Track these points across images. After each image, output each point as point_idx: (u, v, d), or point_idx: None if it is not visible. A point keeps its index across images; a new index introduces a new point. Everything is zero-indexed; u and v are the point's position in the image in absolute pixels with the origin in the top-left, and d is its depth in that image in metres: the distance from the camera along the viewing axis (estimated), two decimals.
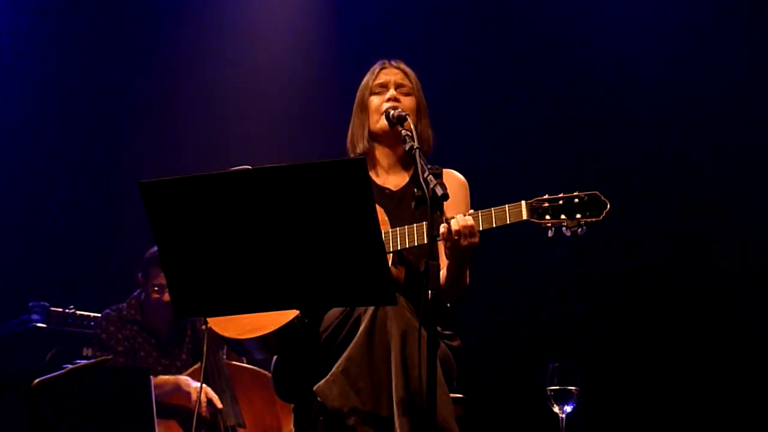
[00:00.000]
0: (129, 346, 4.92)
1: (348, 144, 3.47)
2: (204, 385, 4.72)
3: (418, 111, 3.40)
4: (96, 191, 6.20)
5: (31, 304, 5.48)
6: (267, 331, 3.11)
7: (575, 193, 3.09)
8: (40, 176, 6.20)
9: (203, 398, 4.68)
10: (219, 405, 4.71)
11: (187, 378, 4.81)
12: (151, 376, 4.80)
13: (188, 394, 4.74)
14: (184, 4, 6.33)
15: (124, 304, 5.02)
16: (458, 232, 3.01)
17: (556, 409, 3.34)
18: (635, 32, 5.80)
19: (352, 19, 6.20)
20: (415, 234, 3.13)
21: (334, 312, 3.09)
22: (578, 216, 3.08)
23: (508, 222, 3.08)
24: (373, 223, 2.44)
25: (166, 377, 4.85)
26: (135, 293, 5.06)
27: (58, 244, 6.11)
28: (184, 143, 6.19)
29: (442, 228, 3.01)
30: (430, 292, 2.69)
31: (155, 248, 4.72)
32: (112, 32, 6.26)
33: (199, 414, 4.56)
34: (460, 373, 3.25)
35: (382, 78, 3.42)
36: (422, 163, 2.90)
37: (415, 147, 3.01)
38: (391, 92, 3.38)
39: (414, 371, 2.88)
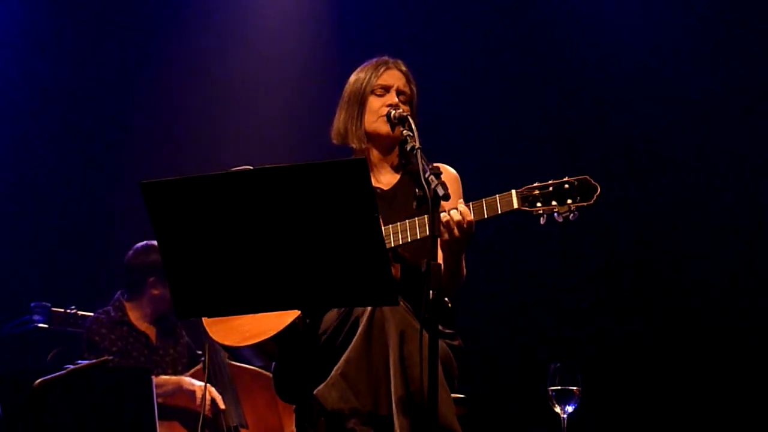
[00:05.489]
0: (122, 347, 4.93)
1: (335, 132, 3.43)
2: (208, 385, 4.72)
3: (411, 115, 3.39)
4: (97, 191, 6.21)
5: (32, 304, 5.49)
6: (266, 337, 3.11)
7: (565, 179, 3.10)
8: (41, 176, 6.21)
9: (207, 400, 4.68)
10: (221, 405, 4.72)
11: (190, 378, 4.81)
12: (153, 377, 4.82)
13: (192, 393, 4.74)
14: (184, 5, 6.33)
15: (110, 307, 5.03)
16: (458, 222, 3.01)
17: (557, 409, 3.34)
18: (630, 24, 5.80)
19: (352, 19, 6.20)
20: (408, 230, 3.13)
21: (332, 314, 3.10)
22: (569, 201, 3.08)
23: (499, 212, 3.08)
24: (374, 223, 2.45)
25: (167, 377, 4.86)
26: (116, 295, 5.07)
27: (60, 244, 6.12)
28: (185, 143, 6.19)
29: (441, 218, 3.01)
30: (431, 292, 2.69)
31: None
32: (112, 31, 6.26)
33: (199, 417, 4.56)
34: (461, 372, 3.25)
35: (386, 80, 3.39)
36: (423, 162, 2.90)
37: (417, 147, 3.01)
38: (395, 99, 3.36)
39: (413, 371, 2.88)
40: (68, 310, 5.49)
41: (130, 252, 5.03)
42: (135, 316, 5.02)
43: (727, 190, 5.56)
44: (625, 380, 5.58)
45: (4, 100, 6.18)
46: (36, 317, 5.43)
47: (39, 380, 2.89)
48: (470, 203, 3.08)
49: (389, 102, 3.35)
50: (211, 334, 3.20)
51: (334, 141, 3.44)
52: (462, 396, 3.27)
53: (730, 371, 5.43)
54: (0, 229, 6.09)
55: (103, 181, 6.22)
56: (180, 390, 4.77)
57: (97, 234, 6.15)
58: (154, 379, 4.76)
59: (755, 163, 5.53)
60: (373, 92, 3.39)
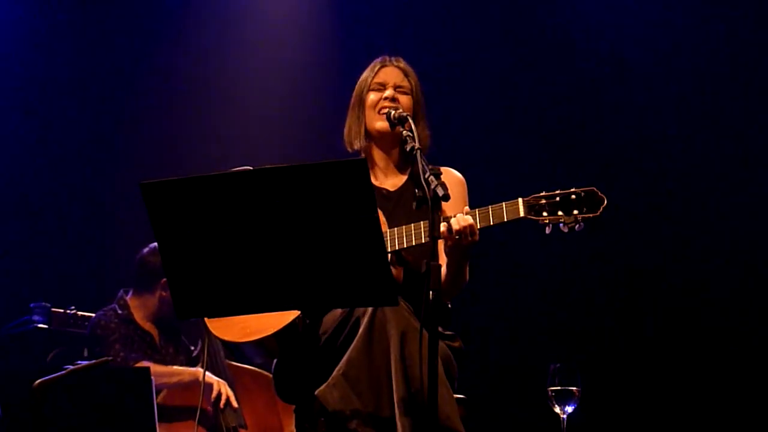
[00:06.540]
0: (128, 343, 4.92)
1: (345, 138, 3.46)
2: (223, 382, 4.72)
3: (415, 110, 3.39)
4: (97, 191, 6.20)
5: (32, 305, 5.48)
6: (267, 334, 3.11)
7: (572, 190, 3.10)
8: (41, 176, 6.20)
9: (223, 394, 4.68)
10: (235, 404, 4.71)
11: (208, 372, 4.76)
12: (170, 366, 4.82)
13: (208, 386, 4.70)
14: (185, 4, 6.33)
15: (114, 305, 5.02)
16: (459, 231, 3.02)
17: (557, 409, 3.34)
18: (632, 29, 5.81)
19: (352, 19, 6.21)
20: (413, 233, 3.13)
21: (333, 314, 3.10)
22: (575, 212, 3.08)
23: (505, 219, 3.09)
24: (374, 224, 2.45)
25: (183, 368, 4.83)
26: (119, 294, 5.06)
27: (59, 244, 6.11)
28: (185, 143, 6.19)
29: (443, 227, 3.01)
30: (431, 292, 2.69)
31: None
32: (111, 31, 6.26)
33: (201, 415, 4.54)
34: (461, 373, 3.25)
35: (382, 77, 3.41)
36: (423, 163, 2.90)
37: (416, 148, 3.01)
38: (389, 92, 3.37)
39: (414, 371, 2.88)
40: (68, 311, 5.48)
41: (147, 249, 4.99)
42: (139, 314, 5.01)
43: (726, 190, 5.56)
44: (625, 380, 5.58)
45: (4, 100, 6.17)
46: (36, 317, 5.42)
47: (39, 380, 2.89)
48: (476, 210, 3.08)
49: (386, 96, 3.36)
50: (211, 330, 3.20)
51: (348, 148, 3.45)
52: (462, 397, 3.26)
53: (730, 371, 5.43)
54: (0, 230, 6.09)
55: (103, 181, 6.21)
56: (196, 382, 4.72)
57: (97, 234, 6.15)
58: (171, 368, 4.77)
59: (755, 164, 5.53)
60: (370, 90, 3.40)
